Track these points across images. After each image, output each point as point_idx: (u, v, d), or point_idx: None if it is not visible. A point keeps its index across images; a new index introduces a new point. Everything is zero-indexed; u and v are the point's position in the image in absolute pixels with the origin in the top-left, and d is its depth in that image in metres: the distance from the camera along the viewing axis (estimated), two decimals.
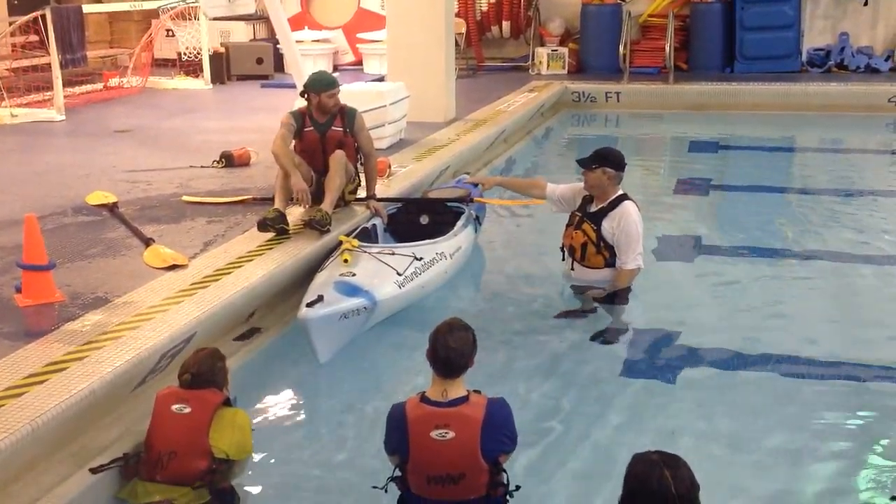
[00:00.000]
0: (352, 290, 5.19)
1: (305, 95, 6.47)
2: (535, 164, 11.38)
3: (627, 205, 5.56)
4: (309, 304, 4.92)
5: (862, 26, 15.15)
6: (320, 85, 6.42)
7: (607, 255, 5.56)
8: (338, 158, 6.31)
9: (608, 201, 5.58)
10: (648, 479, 2.65)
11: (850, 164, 11.13)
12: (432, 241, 6.15)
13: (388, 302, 5.39)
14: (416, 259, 5.73)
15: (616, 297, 5.72)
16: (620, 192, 5.63)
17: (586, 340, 5.61)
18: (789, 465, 4.29)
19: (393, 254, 5.71)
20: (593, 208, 5.64)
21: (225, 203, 7.05)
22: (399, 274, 5.54)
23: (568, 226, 5.78)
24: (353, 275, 5.33)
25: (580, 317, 5.83)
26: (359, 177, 6.74)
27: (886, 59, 14.90)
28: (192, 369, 3.86)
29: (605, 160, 5.58)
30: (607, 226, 5.54)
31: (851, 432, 4.60)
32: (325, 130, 6.45)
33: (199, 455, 3.71)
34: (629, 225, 5.50)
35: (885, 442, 4.49)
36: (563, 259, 5.88)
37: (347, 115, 6.51)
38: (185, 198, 7.17)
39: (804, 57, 15.08)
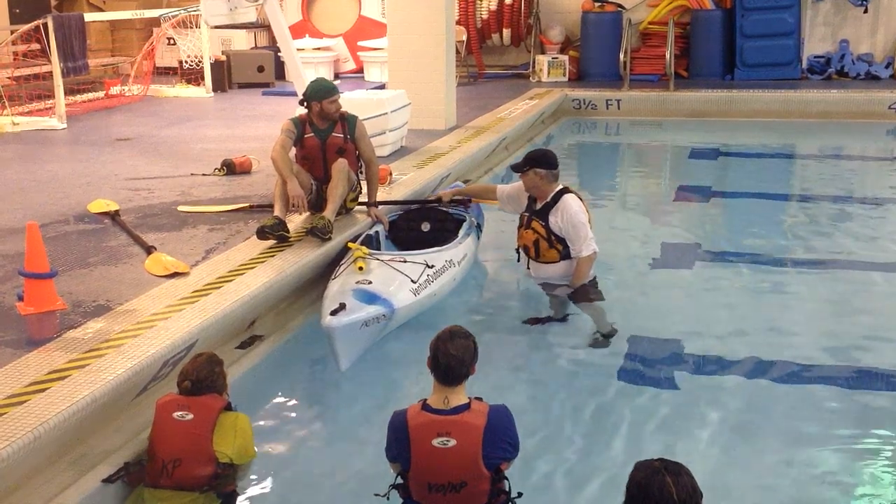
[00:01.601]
0: (371, 298, 5.21)
1: (305, 104, 6.48)
2: None
3: (567, 198, 5.72)
4: (332, 312, 4.92)
5: (862, 34, 15.18)
6: (321, 92, 6.43)
7: (560, 247, 5.70)
8: (340, 167, 6.32)
9: (550, 197, 5.74)
10: (650, 486, 2.65)
11: (851, 171, 11.14)
12: (441, 248, 6.17)
13: (405, 309, 5.41)
14: (429, 266, 5.75)
15: (585, 292, 5.76)
16: (560, 186, 5.78)
17: (583, 346, 5.64)
18: (791, 471, 4.30)
19: (405, 261, 5.73)
20: (538, 206, 5.80)
21: (222, 212, 7.07)
22: (413, 282, 5.56)
23: (519, 227, 5.94)
24: (370, 283, 5.34)
25: (559, 322, 5.92)
26: (360, 185, 6.76)
27: (886, 67, 14.93)
28: (192, 376, 3.86)
29: (535, 162, 5.77)
30: (553, 220, 5.70)
31: (853, 438, 4.60)
32: (325, 137, 6.46)
33: (204, 461, 3.72)
34: (572, 216, 5.64)
35: (887, 448, 4.49)
36: (518, 260, 6.01)
37: (348, 122, 6.53)
38: (181, 208, 7.16)
39: (804, 64, 15.11)
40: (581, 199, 5.77)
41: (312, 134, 6.47)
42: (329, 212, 6.17)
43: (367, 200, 6.75)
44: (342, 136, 6.48)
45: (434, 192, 7.73)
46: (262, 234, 5.99)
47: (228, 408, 3.89)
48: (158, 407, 3.85)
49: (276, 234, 6.00)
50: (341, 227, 6.40)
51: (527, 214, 5.85)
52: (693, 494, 2.66)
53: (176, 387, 3.93)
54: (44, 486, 3.69)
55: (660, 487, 2.63)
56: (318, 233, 6.01)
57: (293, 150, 6.47)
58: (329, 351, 5.02)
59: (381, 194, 7.05)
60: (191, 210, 7.11)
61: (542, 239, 5.70)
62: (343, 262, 5.78)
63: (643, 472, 2.70)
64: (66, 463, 3.85)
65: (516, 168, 5.85)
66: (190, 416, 3.76)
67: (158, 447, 3.76)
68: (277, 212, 6.15)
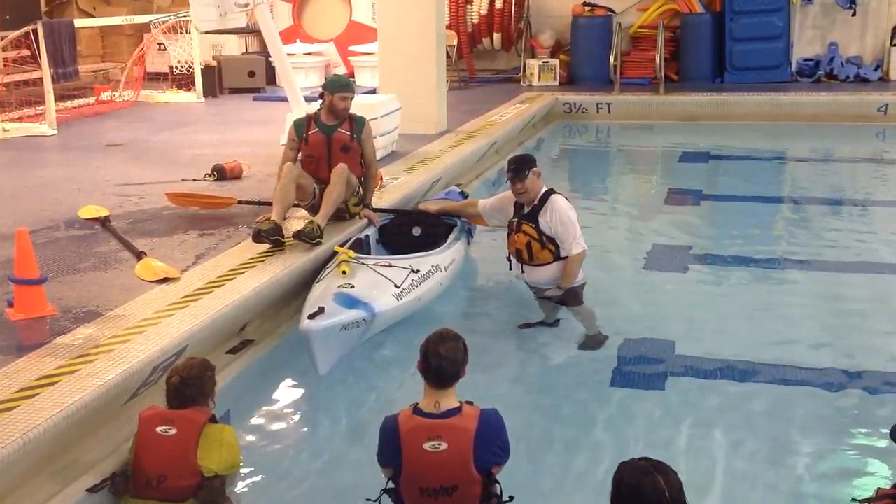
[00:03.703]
0: (351, 302, 5.19)
1: (321, 95, 6.52)
2: None
3: (555, 198, 5.77)
4: (310, 316, 4.92)
5: (851, 36, 15.23)
6: (335, 86, 6.48)
7: (553, 248, 5.72)
8: (339, 171, 6.30)
9: (538, 198, 5.77)
10: (642, 486, 2.67)
11: (840, 173, 11.19)
12: (428, 253, 6.16)
13: (386, 314, 5.40)
14: (413, 271, 5.75)
15: (575, 295, 5.78)
16: (545, 188, 5.83)
17: (574, 350, 5.66)
18: (778, 473, 4.31)
19: (390, 266, 5.72)
20: (526, 210, 5.82)
21: (208, 201, 7.10)
22: (397, 286, 5.55)
23: (508, 234, 5.94)
24: (352, 286, 5.33)
25: (550, 326, 5.94)
26: (361, 189, 6.74)
27: (875, 69, 14.98)
28: (182, 372, 3.82)
29: (529, 163, 5.80)
30: (543, 221, 5.73)
31: (846, 441, 4.62)
32: (331, 133, 6.46)
33: (189, 475, 3.66)
34: (561, 214, 5.68)
35: (879, 449, 4.50)
36: (511, 268, 6.00)
37: (356, 122, 6.55)
38: (167, 192, 7.26)
39: (794, 67, 15.15)
40: (568, 200, 5.80)
41: (317, 129, 6.48)
42: (321, 217, 6.15)
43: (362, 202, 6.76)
44: (349, 133, 6.49)
45: (423, 199, 7.73)
46: (258, 237, 5.95)
47: (213, 420, 3.84)
48: (141, 421, 3.78)
49: (272, 239, 5.97)
50: (334, 230, 6.38)
51: (515, 220, 5.85)
52: (681, 491, 2.70)
53: (164, 394, 3.90)
54: (33, 494, 3.67)
55: (653, 487, 2.67)
56: (305, 237, 5.98)
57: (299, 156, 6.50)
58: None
59: (372, 199, 7.04)
60: (178, 194, 7.21)
61: (533, 241, 5.71)
62: (328, 265, 5.77)
63: (631, 472, 2.73)
64: (55, 469, 3.83)
65: (519, 177, 5.74)
66: (174, 431, 3.69)
67: (143, 462, 3.70)
68: (275, 216, 6.11)
